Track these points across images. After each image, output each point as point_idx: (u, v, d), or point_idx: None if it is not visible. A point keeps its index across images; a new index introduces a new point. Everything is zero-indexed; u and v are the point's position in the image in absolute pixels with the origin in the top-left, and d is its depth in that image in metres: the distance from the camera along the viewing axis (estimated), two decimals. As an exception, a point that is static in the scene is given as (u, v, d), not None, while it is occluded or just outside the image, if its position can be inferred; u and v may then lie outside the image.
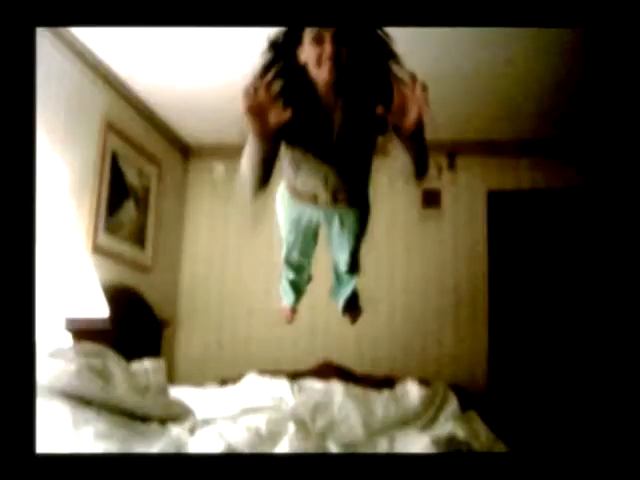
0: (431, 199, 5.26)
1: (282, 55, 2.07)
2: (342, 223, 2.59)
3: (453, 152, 5.24)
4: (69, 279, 3.26)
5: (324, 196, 2.39)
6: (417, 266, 5.19)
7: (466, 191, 5.26)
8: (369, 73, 2.09)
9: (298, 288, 3.18)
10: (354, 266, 2.83)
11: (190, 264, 5.51)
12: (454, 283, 5.13)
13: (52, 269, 3.19)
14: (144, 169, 4.75)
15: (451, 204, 5.25)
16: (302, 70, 2.07)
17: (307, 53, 2.03)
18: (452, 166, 5.28)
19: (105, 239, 4.15)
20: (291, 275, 3.05)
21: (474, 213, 5.21)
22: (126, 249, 4.47)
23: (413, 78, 1.84)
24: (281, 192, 2.62)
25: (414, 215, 5.27)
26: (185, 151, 5.56)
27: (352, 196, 2.47)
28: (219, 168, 5.13)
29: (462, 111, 4.61)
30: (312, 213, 2.55)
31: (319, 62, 2.01)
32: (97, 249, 4.02)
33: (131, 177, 4.54)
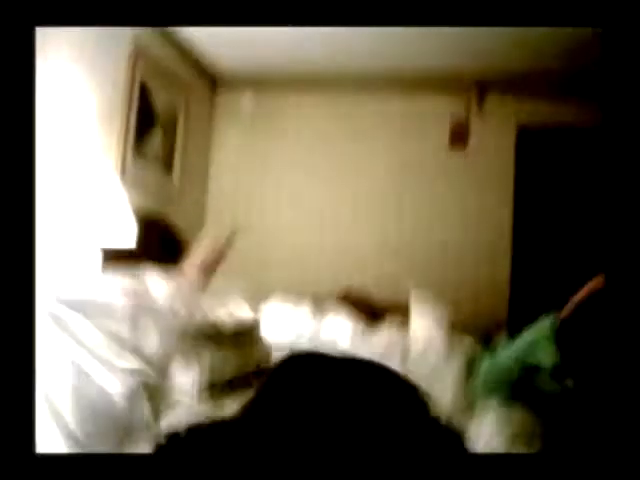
0: (459, 136, 5.19)
1: None
2: None
3: (483, 87, 5.13)
4: (99, 204, 3.27)
5: None
6: (440, 204, 5.18)
7: (496, 128, 5.18)
8: None
9: None
10: None
11: (216, 195, 5.54)
12: (478, 220, 5.12)
13: (84, 201, 3.20)
14: (172, 99, 4.74)
15: (479, 142, 5.19)
16: None
17: None
18: (481, 102, 5.19)
19: (134, 168, 4.17)
20: None
21: (503, 150, 5.16)
22: (154, 178, 4.50)
23: None
24: None
25: (442, 153, 5.23)
26: (213, 81, 5.52)
27: None
28: (246, 100, 5.10)
29: (492, 45, 4.47)
30: None
31: None
32: (126, 177, 4.04)
33: (159, 106, 4.53)
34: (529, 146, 5.13)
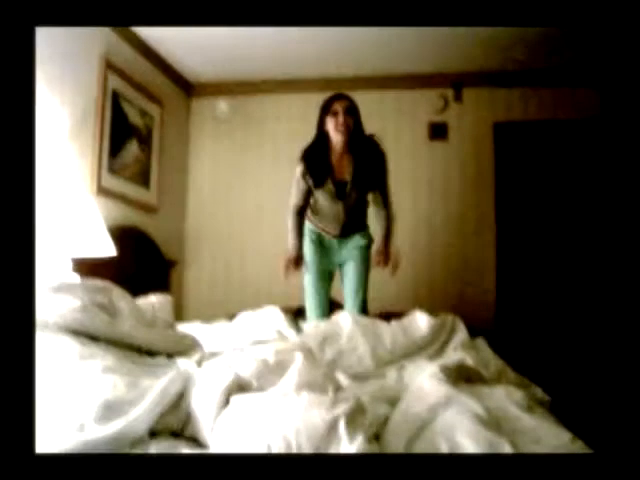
0: (438, 132, 5.18)
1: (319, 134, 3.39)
2: (352, 251, 3.62)
3: (459, 83, 5.13)
4: (74, 221, 3.24)
5: (336, 231, 3.58)
6: (424, 199, 5.16)
7: (473, 123, 5.17)
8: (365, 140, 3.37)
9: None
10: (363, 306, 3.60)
11: (196, 202, 5.49)
12: (461, 216, 5.10)
13: (56, 212, 3.18)
14: (146, 108, 4.68)
15: (458, 136, 5.17)
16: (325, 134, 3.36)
17: (328, 124, 3.31)
18: (458, 98, 5.18)
19: (109, 180, 4.11)
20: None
21: (481, 145, 5.14)
22: (131, 190, 4.44)
23: None
24: (308, 232, 3.67)
25: (421, 149, 5.21)
26: (187, 89, 5.47)
27: (358, 226, 3.61)
28: (222, 105, 5.06)
29: (468, 41, 4.48)
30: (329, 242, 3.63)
31: (336, 128, 3.27)
32: (101, 190, 3.99)
33: (133, 117, 4.48)
34: (505, 138, 5.13)
